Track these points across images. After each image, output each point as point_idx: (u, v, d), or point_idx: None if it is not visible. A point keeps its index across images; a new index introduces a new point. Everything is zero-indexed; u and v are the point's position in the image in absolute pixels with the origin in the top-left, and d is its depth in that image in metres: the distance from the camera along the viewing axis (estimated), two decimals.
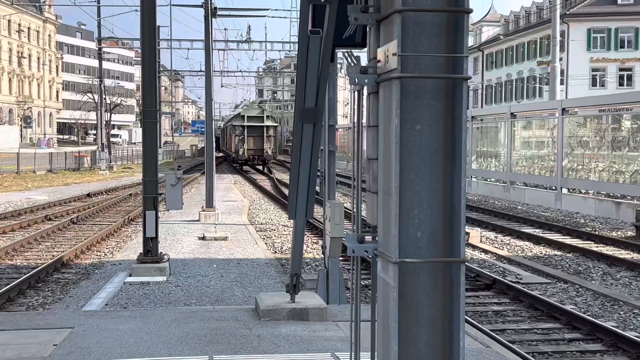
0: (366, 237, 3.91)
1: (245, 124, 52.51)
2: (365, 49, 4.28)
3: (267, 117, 53.84)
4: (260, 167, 53.46)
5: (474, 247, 16.56)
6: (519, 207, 26.14)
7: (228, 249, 15.86)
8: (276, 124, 56.48)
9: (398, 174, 3.55)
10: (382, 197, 3.80)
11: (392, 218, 3.56)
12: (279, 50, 51.66)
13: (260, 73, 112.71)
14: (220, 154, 70.66)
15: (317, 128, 7.10)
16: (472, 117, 33.81)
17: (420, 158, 3.61)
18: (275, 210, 25.26)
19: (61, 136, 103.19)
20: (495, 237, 18.37)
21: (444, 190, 3.63)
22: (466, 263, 3.77)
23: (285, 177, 42.92)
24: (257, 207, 26.56)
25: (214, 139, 22.96)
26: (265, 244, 17.08)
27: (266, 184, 39.67)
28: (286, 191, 30.88)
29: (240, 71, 66.75)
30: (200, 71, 63.46)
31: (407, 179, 3.60)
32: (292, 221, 7.78)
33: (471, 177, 32.84)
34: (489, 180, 32.33)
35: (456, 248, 3.60)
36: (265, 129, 52.59)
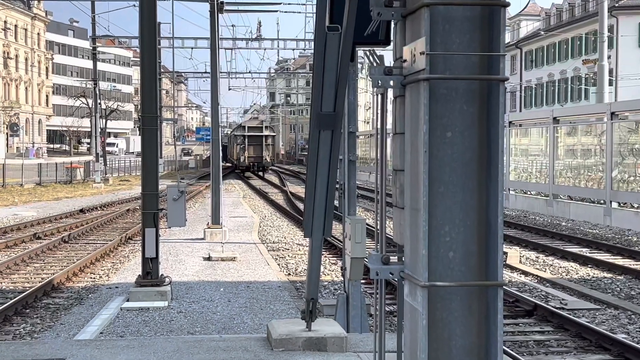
0: (391, 258, 3.90)
1: (246, 133, 65.81)
2: (390, 47, 4.29)
3: (266, 127, 68.33)
4: (261, 174, 65.80)
5: (513, 268, 16.46)
6: (563, 224, 25.96)
7: (236, 271, 15.87)
8: (274, 134, 71.20)
9: (427, 187, 3.56)
10: (409, 213, 3.80)
11: (421, 236, 3.55)
12: (293, 49, 51.86)
13: (272, 74, 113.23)
14: (228, 164, 72.69)
15: (335, 135, 7.11)
16: (510, 122, 33.69)
17: (451, 169, 3.63)
18: (289, 228, 25.25)
19: (51, 145, 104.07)
20: (537, 257, 18.25)
21: (478, 204, 3.64)
22: (504, 287, 3.74)
23: (299, 190, 42.93)
24: (268, 223, 26.57)
25: (220, 148, 23.03)
26: (278, 265, 17.07)
27: (279, 197, 39.73)
28: (301, 206, 30.88)
29: (249, 72, 67.14)
30: (206, 72, 63.73)
31: (437, 192, 3.61)
32: (307, 240, 7.78)
33: (509, 189, 32.70)
34: (528, 193, 32.16)
35: (493, 270, 3.61)
36: (264, 138, 65.69)
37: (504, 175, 3.68)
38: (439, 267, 3.60)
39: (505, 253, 16.83)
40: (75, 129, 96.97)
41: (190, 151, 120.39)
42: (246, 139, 65.57)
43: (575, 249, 19.25)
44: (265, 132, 67.08)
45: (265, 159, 66.02)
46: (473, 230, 3.63)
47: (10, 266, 16.50)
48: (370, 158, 54.54)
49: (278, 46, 49.75)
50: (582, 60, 63.77)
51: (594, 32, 55.62)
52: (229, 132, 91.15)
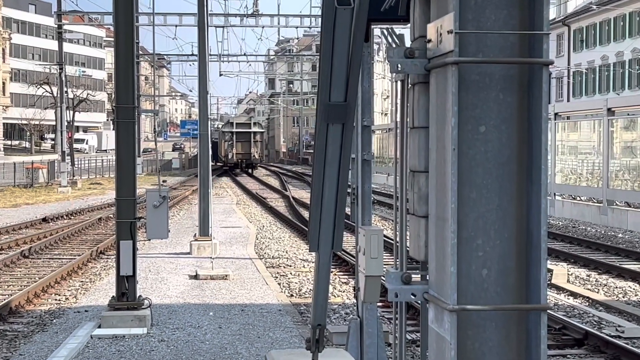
0: (413, 277, 3.90)
1: (234, 130, 76.87)
2: (410, 25, 4.28)
3: (254, 123, 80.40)
4: (250, 170, 75.99)
5: (559, 289, 16.43)
6: (620, 235, 25.90)
7: (229, 292, 15.88)
8: (262, 130, 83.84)
9: (456, 192, 3.55)
10: (434, 223, 3.81)
11: (448, 251, 3.55)
12: (296, 27, 51.93)
13: (271, 57, 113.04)
14: (219, 164, 75.22)
15: (346, 130, 7.09)
16: (555, 114, 33.65)
17: (485, 170, 3.62)
18: (291, 240, 25.26)
19: (9, 142, 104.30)
20: (588, 275, 18.22)
21: (517, 212, 3.63)
22: (549, 311, 3.74)
23: (304, 195, 42.95)
24: (267, 235, 26.58)
25: (209, 144, 23.02)
26: (278, 284, 17.09)
27: (279, 203, 39.77)
28: (305, 214, 30.89)
29: (244, 55, 67.16)
30: (192, 55, 63.91)
31: (468, 198, 3.61)
32: (313, 255, 7.78)
33: (554, 194, 32.64)
34: (578, 198, 32.10)
35: (535, 291, 3.59)
36: (252, 135, 76.98)
37: (548, 177, 3.67)
38: (470, 288, 3.61)
39: (550, 271, 16.80)
40: (37, 123, 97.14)
41: (181, 145, 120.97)
42: (234, 136, 76.18)
43: (634, 266, 19.19)
44: (254, 129, 78.49)
45: (254, 156, 76.91)
46: (511, 244, 3.63)
47: None
48: (388, 157, 54.55)
49: (279, 23, 49.88)
50: None
51: None
52: (219, 127, 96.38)
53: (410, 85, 4.06)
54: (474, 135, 3.61)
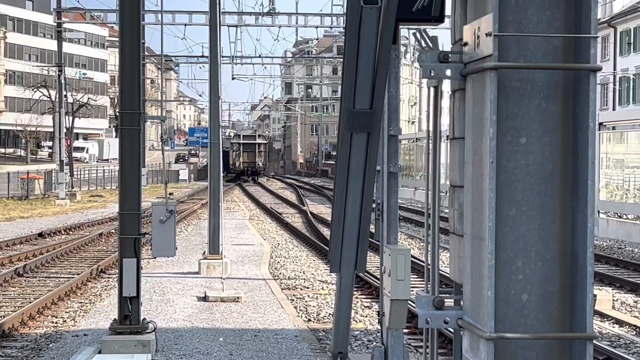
0: (446, 301, 3.88)
1: (241, 141, 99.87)
2: (445, 26, 4.28)
3: (259, 135, 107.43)
4: (256, 178, 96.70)
5: (604, 316, 16.33)
6: None
7: (240, 315, 15.87)
8: (266, 142, 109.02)
9: (494, 209, 3.54)
10: (469, 242, 3.81)
11: (485, 273, 3.54)
12: (316, 27, 51.94)
13: (289, 60, 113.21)
14: (231, 174, 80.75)
15: (372, 139, 7.12)
16: (600, 124, 33.49)
17: (526, 186, 3.62)
18: (309, 259, 25.23)
19: (2, 150, 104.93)
20: (635, 301, 18.11)
21: (561, 232, 3.62)
22: (594, 340, 3.72)
23: (324, 210, 42.91)
24: (282, 253, 26.57)
25: (221, 154, 22.96)
26: (295, 308, 17.05)
27: (296, 219, 39.78)
28: (325, 231, 30.85)
29: (259, 57, 67.25)
30: (203, 57, 64.06)
31: (507, 216, 3.60)
32: (334, 276, 7.79)
33: (598, 212, 32.46)
34: (625, 217, 31.93)
35: (580, 318, 3.57)
36: (257, 146, 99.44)
37: (594, 193, 3.67)
38: (509, 314, 3.59)
39: (595, 296, 16.69)
40: (33, 129, 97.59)
41: (196, 152, 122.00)
42: (241, 147, 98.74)
43: None
44: (258, 140, 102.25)
45: (258, 164, 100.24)
46: (554, 266, 3.63)
47: None
48: (417, 169, 54.45)
49: (297, 23, 49.94)
50: None
51: None
52: (231, 135, 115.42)
53: (450, 92, 4.06)
54: (513, 147, 3.61)
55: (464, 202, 3.89)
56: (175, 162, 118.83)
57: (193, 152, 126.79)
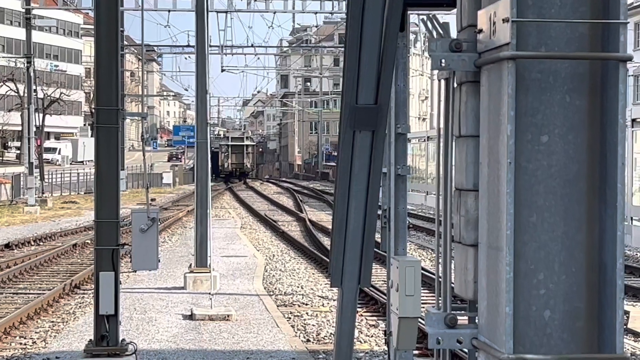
0: (459, 319, 3.87)
1: (230, 143, 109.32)
2: (457, 11, 4.24)
3: (247, 137, 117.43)
4: (244, 179, 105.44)
5: (637, 334, 16.30)
6: None
7: (231, 335, 15.87)
8: (253, 143, 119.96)
9: (512, 215, 3.53)
10: (485, 253, 3.78)
11: (503, 287, 3.53)
12: (315, 13, 51.97)
13: (285, 49, 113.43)
14: (221, 176, 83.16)
15: (377, 138, 7.02)
16: (633, 120, 33.14)
17: (548, 189, 3.61)
18: (308, 272, 25.27)
19: None
20: None
21: (588, 241, 3.61)
22: None
23: (324, 217, 43.03)
24: (278, 266, 26.61)
25: (209, 155, 22.83)
26: (292, 327, 17.05)
27: (293, 228, 39.84)
28: (325, 241, 30.87)
29: (252, 46, 67.49)
30: (188, 46, 64.12)
31: (527, 223, 3.59)
32: (335, 291, 7.71)
33: (631, 219, 32.29)
34: None
35: (609, 337, 3.56)
36: (245, 147, 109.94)
37: (625, 198, 3.61)
38: (529, 333, 3.58)
39: (627, 312, 16.63)
40: None
41: (180, 156, 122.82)
42: (230, 148, 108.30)
43: None
44: (246, 142, 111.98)
45: (246, 166, 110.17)
46: (580, 279, 3.60)
47: None
48: (428, 172, 54.47)
49: (293, 8, 49.94)
50: None
51: None
52: (220, 134, 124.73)
53: (456, 85, 4.04)
54: (534, 146, 3.59)
55: (478, 208, 3.85)
56: (168, 161, 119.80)
57: (175, 156, 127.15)
